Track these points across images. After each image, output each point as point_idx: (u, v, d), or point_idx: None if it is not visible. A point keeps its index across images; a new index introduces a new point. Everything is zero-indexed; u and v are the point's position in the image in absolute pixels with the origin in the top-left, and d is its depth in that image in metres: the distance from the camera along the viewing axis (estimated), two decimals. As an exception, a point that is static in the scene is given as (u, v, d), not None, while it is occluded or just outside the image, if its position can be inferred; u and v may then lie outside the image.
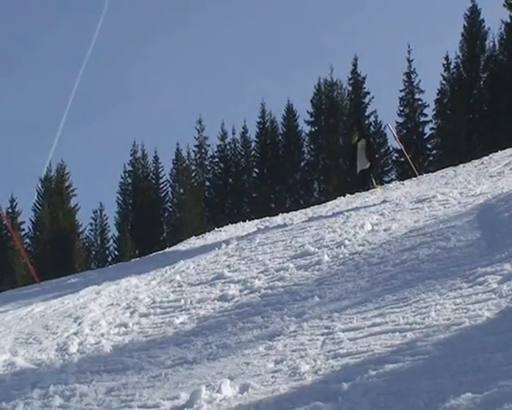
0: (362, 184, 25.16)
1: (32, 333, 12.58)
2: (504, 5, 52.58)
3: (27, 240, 62.64)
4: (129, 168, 69.48)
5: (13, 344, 12.22)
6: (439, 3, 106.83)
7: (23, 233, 62.13)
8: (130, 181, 69.18)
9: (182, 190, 67.41)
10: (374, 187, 24.70)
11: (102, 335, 11.33)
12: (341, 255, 12.05)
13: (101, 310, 12.88)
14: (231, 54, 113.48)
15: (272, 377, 7.87)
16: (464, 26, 55.59)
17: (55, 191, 65.74)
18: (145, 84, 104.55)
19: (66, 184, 66.82)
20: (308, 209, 23.05)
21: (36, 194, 65.19)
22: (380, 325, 8.48)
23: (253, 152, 68.57)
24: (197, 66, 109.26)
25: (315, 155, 62.77)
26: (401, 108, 59.56)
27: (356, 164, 25.87)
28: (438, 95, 58.43)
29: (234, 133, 69.62)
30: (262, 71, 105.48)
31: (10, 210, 62.26)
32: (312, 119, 63.01)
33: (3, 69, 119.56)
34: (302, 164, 64.98)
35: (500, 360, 6.63)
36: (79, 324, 12.31)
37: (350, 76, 62.56)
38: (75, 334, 11.70)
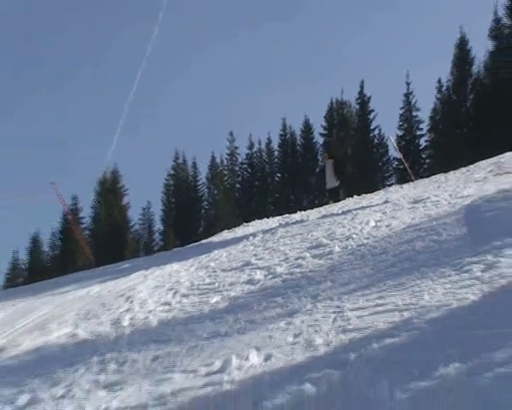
0: (333, 197, 25.48)
1: (90, 310, 12.65)
2: (488, 36, 52.51)
3: (87, 232, 62.76)
4: (171, 172, 69.65)
5: (75, 319, 12.27)
6: (434, 35, 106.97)
7: (83, 227, 62.25)
8: (172, 183, 69.32)
9: (216, 191, 67.53)
10: (342, 199, 24.78)
11: (149, 312, 11.38)
12: (349, 247, 12.04)
13: (149, 291, 12.92)
14: (256, 74, 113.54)
15: (291, 348, 7.90)
16: (454, 54, 55.52)
17: (110, 191, 65.91)
18: (187, 97, 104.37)
19: (120, 184, 67.01)
20: (321, 208, 23.02)
21: (94, 193, 65.41)
22: (381, 306, 8.50)
23: (275, 160, 68.73)
24: (230, 83, 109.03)
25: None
26: (400, 124, 59.52)
27: (325, 180, 26.40)
28: (431, 112, 58.35)
29: (260, 144, 69.85)
30: (284, 90, 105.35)
31: (73, 207, 62.38)
32: (326, 132, 62.95)
33: (64, 83, 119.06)
34: (317, 170, 65.04)
35: (482, 336, 6.65)
36: (130, 302, 12.36)
37: (357, 96, 62.54)
38: (127, 311, 11.75)
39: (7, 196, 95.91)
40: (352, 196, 24.90)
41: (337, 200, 24.91)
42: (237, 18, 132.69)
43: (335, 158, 26.40)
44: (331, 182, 25.88)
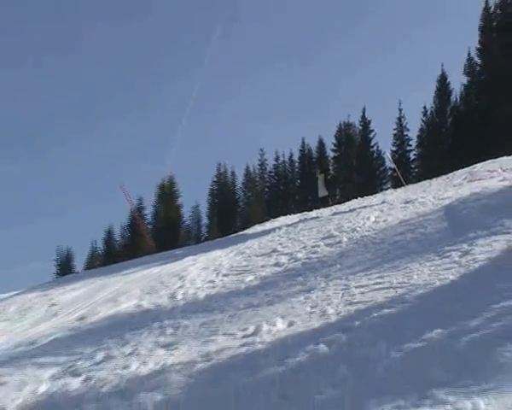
0: (323, 204, 25.09)
1: (152, 286, 12.70)
2: (463, 73, 52.43)
3: (149, 226, 62.90)
4: (215, 179, 69.65)
5: (140, 293, 12.33)
6: (421, 70, 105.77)
7: (146, 221, 62.38)
8: (216, 187, 69.25)
9: (249, 194, 67.46)
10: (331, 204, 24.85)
11: (198, 288, 11.40)
12: (354, 237, 12.03)
13: (197, 272, 12.94)
14: (280, 105, 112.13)
15: (309, 317, 7.92)
16: (436, 86, 55.28)
17: (167, 193, 66.04)
18: (229, 119, 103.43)
19: (175, 188, 67.00)
20: (333, 207, 23.01)
21: (155, 195, 65.61)
22: (380, 284, 8.49)
23: (296, 169, 68.61)
24: (258, 112, 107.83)
25: (337, 171, 62.51)
26: (394, 141, 59.19)
27: (318, 191, 26.11)
28: (418, 132, 58.15)
29: (284, 157, 69.61)
30: (303, 116, 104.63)
31: (138, 206, 62.50)
32: (335, 148, 62.80)
33: (142, 108, 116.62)
34: (328, 177, 65.17)
35: (459, 308, 6.65)
36: (183, 280, 12.39)
37: (360, 119, 62.15)
38: (180, 287, 11.78)
39: (87, 198, 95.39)
40: (339, 203, 25.20)
41: (327, 206, 24.78)
42: (264, 56, 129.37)
43: (325, 173, 26.27)
44: (322, 192, 25.74)
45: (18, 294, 17.84)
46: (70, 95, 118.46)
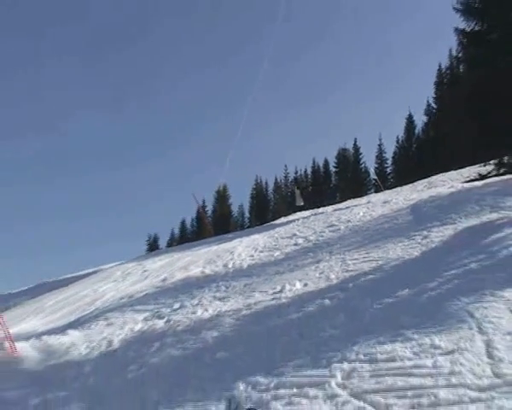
0: (299, 210, 25.91)
1: (211, 258, 12.72)
2: (424, 113, 52.28)
3: (209, 218, 63.11)
4: (254, 186, 69.70)
5: (203, 263, 12.36)
6: (394, 112, 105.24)
7: (208, 215, 62.63)
8: (255, 192, 69.32)
9: (277, 196, 67.46)
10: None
11: (242, 260, 11.39)
12: (349, 226, 11.96)
13: (242, 249, 12.95)
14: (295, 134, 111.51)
15: (318, 280, 7.88)
16: (406, 122, 55.09)
17: (222, 196, 66.35)
18: (263, 144, 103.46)
19: (227, 192, 67.24)
20: (334, 206, 22.95)
21: (214, 197, 66.03)
22: (366, 257, 8.41)
23: (309, 180, 68.54)
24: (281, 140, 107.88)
25: (338, 180, 62.45)
26: (376, 160, 59.06)
27: (296, 201, 27.91)
28: (393, 155, 57.98)
29: (300, 170, 69.54)
30: (313, 141, 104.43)
31: (202, 205, 62.83)
32: (336, 165, 62.70)
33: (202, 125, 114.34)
34: (331, 185, 65.42)
35: (421, 275, 6.58)
36: (232, 255, 12.40)
37: (353, 146, 61.93)
38: (230, 259, 11.78)
39: (169, 198, 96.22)
40: (354, 198, 25.16)
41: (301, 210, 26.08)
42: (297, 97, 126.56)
43: (301, 190, 29.38)
44: (299, 202, 27.29)
45: (121, 263, 18.02)
46: (151, 120, 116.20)
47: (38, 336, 8.34)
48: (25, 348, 7.44)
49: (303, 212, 24.61)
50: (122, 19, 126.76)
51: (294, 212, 27.40)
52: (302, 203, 27.27)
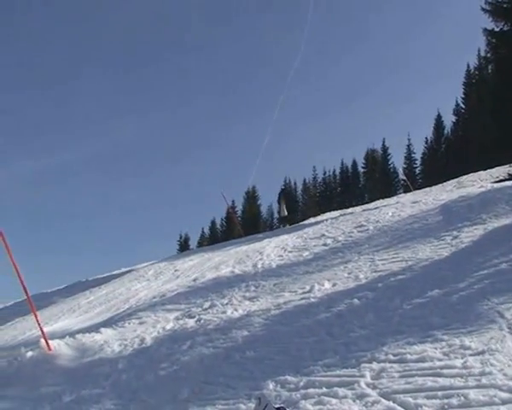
0: (284, 222, 25.87)
1: (241, 258, 12.73)
2: (452, 113, 51.73)
3: (239, 218, 63.27)
4: (283, 187, 69.52)
5: (233, 263, 12.37)
6: (423, 113, 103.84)
7: (237, 215, 62.80)
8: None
9: (306, 197, 67.30)
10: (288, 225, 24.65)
11: (271, 260, 11.37)
12: (378, 226, 11.86)
13: (271, 249, 12.93)
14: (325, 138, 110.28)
15: (346, 280, 7.83)
16: (434, 123, 54.50)
17: (251, 196, 66.49)
18: (292, 146, 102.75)
19: (256, 193, 67.39)
20: (363, 206, 22.80)
21: (244, 197, 66.21)
22: (395, 258, 8.34)
23: (337, 181, 68.22)
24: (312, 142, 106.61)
25: (367, 181, 62.02)
26: (405, 161, 58.47)
27: (280, 212, 26.24)
28: (422, 155, 57.45)
29: (329, 172, 69.16)
30: (342, 143, 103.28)
31: (232, 205, 63.05)
32: (364, 166, 62.27)
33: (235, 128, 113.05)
34: (338, 189, 65.38)
35: (451, 275, 6.53)
36: (262, 255, 12.39)
37: (381, 146, 61.42)
38: (260, 259, 11.77)
39: (200, 199, 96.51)
40: (382, 198, 24.83)
41: (286, 223, 25.59)
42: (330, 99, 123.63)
43: (286, 201, 26.17)
44: (283, 213, 25.78)
45: (153, 263, 18.14)
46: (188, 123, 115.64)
47: (73, 334, 8.44)
48: (59, 346, 7.53)
49: (332, 212, 24.50)
50: (154, 21, 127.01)
51: (323, 212, 27.30)
52: (286, 213, 26.01)
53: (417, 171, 59.18)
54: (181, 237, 72.80)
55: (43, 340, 7.49)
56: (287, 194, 27.74)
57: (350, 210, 21.54)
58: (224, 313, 7.83)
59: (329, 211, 27.50)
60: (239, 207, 68.75)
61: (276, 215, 72.33)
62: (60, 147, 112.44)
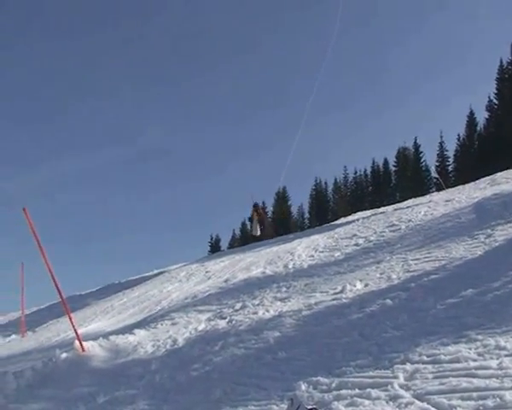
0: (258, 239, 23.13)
1: (272, 259, 12.75)
2: (485, 109, 50.96)
3: (270, 218, 63.27)
4: (314, 187, 69.39)
5: (264, 264, 12.40)
6: (455, 110, 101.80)
7: (268, 217, 62.89)
8: (314, 192, 69.02)
9: (337, 197, 67.00)
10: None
11: (302, 260, 11.37)
12: (410, 226, 11.75)
13: (302, 249, 12.92)
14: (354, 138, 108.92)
15: (378, 280, 7.78)
16: (467, 120, 53.67)
17: (281, 197, 66.52)
18: (321, 144, 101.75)
19: (286, 194, 67.39)
20: (395, 205, 22.59)
21: (274, 198, 66.30)
22: (428, 257, 8.26)
23: (369, 180, 67.70)
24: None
25: (398, 180, 61.44)
26: (437, 158, 57.73)
27: (252, 229, 23.63)
28: (455, 152, 56.62)
29: (360, 171, 68.60)
30: (373, 141, 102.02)
31: (262, 206, 63.11)
32: (396, 164, 61.73)
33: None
34: (391, 184, 64.59)
35: (485, 274, 6.43)
36: (292, 255, 12.38)
37: (413, 144, 60.74)
38: (291, 260, 11.78)
39: (231, 201, 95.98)
40: (415, 197, 24.51)
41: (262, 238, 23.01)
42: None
43: (259, 216, 23.51)
44: (255, 231, 23.11)
45: (185, 265, 18.30)
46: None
47: (107, 335, 8.55)
48: (93, 347, 7.64)
49: (363, 212, 24.35)
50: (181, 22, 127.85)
51: (354, 212, 27.12)
52: (258, 233, 23.20)
53: (450, 168, 58.35)
54: (212, 239, 73.19)
55: (77, 341, 7.61)
56: (258, 208, 24.11)
57: (381, 209, 21.37)
58: (256, 313, 7.84)
59: (361, 210, 27.32)
60: (269, 208, 68.84)
61: (306, 215, 72.75)
62: (91, 150, 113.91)
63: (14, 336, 13.48)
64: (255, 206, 23.40)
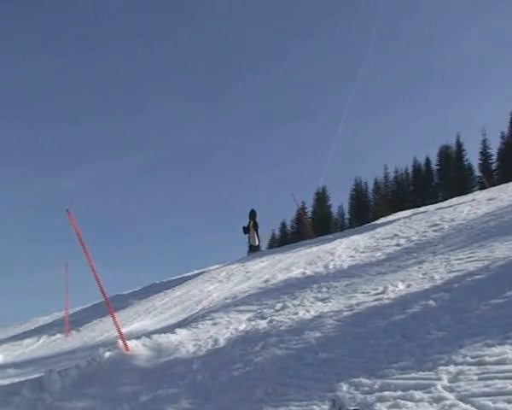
0: (253, 251, 21.29)
1: (312, 260, 12.70)
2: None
3: (309, 219, 63.08)
4: (353, 187, 68.74)
5: (304, 264, 12.37)
6: (499, 107, 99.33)
7: (308, 217, 62.73)
8: (354, 192, 68.53)
9: (377, 196, 66.42)
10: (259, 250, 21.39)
11: (343, 261, 11.30)
12: (453, 226, 11.55)
13: (342, 250, 12.85)
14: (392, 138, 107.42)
15: (421, 280, 7.66)
16: (510, 118, 52.75)
17: (321, 197, 66.45)
18: (360, 145, 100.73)
19: (326, 194, 67.17)
20: (437, 204, 22.25)
21: (313, 199, 66.14)
22: (471, 257, 8.09)
23: (410, 179, 66.82)
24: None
25: (440, 179, 60.62)
26: (480, 157, 56.83)
27: (249, 239, 21.53)
28: (498, 150, 55.61)
29: (400, 170, 67.74)
30: (413, 139, 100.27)
31: (302, 206, 62.98)
32: (438, 164, 60.95)
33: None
34: (433, 183, 63.62)
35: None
36: (333, 255, 12.32)
37: (455, 142, 59.88)
38: (331, 260, 11.72)
39: (272, 201, 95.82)
40: (456, 196, 24.06)
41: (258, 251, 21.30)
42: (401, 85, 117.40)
43: (255, 224, 21.39)
44: (253, 241, 21.32)
45: (225, 265, 18.36)
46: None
47: (149, 334, 8.68)
48: (137, 347, 7.76)
49: (404, 211, 24.05)
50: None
51: (395, 212, 26.79)
52: (257, 243, 21.61)
53: (494, 167, 57.23)
54: (251, 239, 73.38)
55: (120, 341, 7.74)
56: (253, 216, 21.76)
57: (423, 209, 21.07)
58: (296, 314, 7.84)
59: (402, 210, 26.99)
60: (309, 208, 68.65)
61: (346, 215, 72.19)
62: (131, 149, 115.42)
63: (58, 336, 13.75)
64: (252, 213, 21.60)
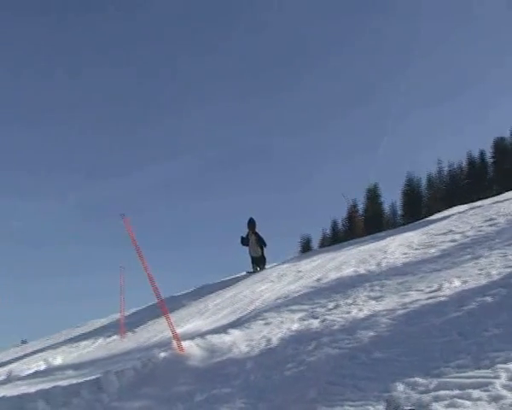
0: (258, 264, 19.69)
1: (364, 258, 12.57)
2: None
3: (361, 217, 62.32)
4: (406, 182, 67.64)
5: (355, 263, 12.25)
6: None
7: (359, 215, 62.09)
8: (407, 188, 67.41)
9: (431, 191, 65.24)
10: (264, 268, 19.36)
11: (396, 258, 11.14)
12: (509, 220, 11.27)
13: (395, 247, 12.67)
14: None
15: (477, 277, 7.50)
16: None
17: (372, 195, 65.69)
18: (413, 139, 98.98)
19: (378, 191, 66.34)
20: (492, 198, 21.61)
21: (364, 196, 65.48)
22: (494, 263, 7.92)
23: (465, 173, 65.34)
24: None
25: (495, 172, 59.09)
26: None
27: (250, 251, 19.91)
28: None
29: (454, 165, 66.10)
30: (467, 133, 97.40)
31: (353, 204, 62.38)
32: (493, 157, 59.47)
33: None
34: (488, 177, 62.01)
35: None
36: (385, 253, 12.17)
37: (510, 134, 58.22)
38: (383, 258, 11.56)
39: (326, 198, 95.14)
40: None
41: (262, 267, 19.58)
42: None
43: (256, 234, 19.89)
44: (254, 252, 19.72)
45: (277, 265, 18.38)
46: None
47: (203, 335, 8.78)
48: (190, 347, 7.86)
49: (459, 206, 23.51)
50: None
51: (449, 207, 26.21)
52: (260, 254, 19.94)
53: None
54: (302, 239, 73.21)
55: (175, 341, 7.86)
56: (253, 225, 20.26)
57: (478, 203, 20.56)
58: (349, 313, 7.78)
59: (456, 205, 26.40)
60: (360, 206, 67.98)
61: (399, 212, 71.12)
62: (180, 153, 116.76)
63: (114, 337, 14.02)
64: (250, 223, 20.25)
